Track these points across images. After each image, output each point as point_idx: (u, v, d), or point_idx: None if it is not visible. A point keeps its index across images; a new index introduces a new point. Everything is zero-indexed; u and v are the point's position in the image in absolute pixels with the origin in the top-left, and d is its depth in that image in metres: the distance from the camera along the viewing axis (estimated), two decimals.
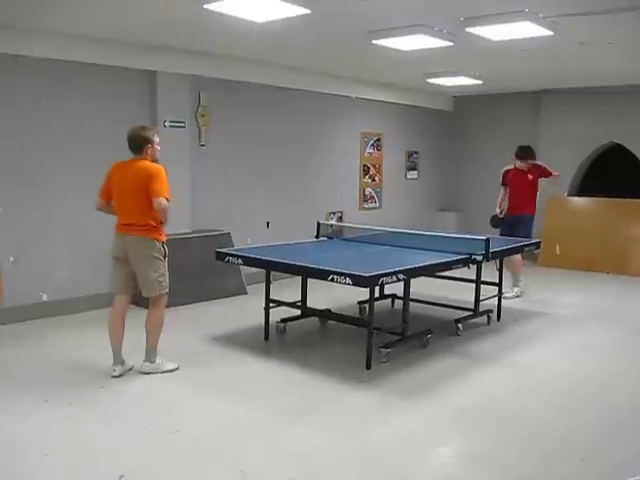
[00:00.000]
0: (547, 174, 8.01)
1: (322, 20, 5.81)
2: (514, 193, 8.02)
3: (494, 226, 8.05)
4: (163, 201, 4.75)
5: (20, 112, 6.51)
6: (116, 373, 5.04)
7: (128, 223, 4.92)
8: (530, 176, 7.89)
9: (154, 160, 4.96)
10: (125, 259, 4.99)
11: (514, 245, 7.02)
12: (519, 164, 7.97)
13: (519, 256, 7.73)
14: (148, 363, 5.11)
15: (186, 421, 4.27)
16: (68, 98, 6.83)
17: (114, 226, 5.06)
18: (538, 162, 8.05)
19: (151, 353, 5.12)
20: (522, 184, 7.93)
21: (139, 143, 4.91)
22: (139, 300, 6.98)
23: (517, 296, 7.87)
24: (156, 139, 5.01)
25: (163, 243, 5.01)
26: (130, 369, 5.16)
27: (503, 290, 7.55)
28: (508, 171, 8.09)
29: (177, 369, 5.18)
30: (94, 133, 7.05)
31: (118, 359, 5.10)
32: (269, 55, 7.90)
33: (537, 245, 7.37)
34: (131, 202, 4.88)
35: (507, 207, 8.06)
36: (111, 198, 5.05)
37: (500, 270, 7.06)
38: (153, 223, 4.90)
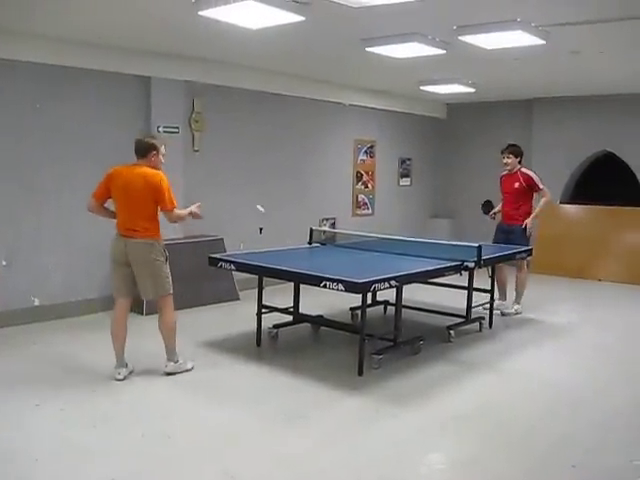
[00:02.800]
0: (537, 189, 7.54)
1: (316, 27, 5.83)
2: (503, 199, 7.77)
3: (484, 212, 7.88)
4: (176, 214, 5.08)
5: (15, 117, 6.50)
6: (120, 376, 5.08)
7: (131, 227, 4.99)
8: (517, 183, 7.51)
9: (156, 168, 5.06)
10: (126, 262, 5.04)
11: (506, 252, 7.02)
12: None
13: (525, 272, 7.67)
14: (172, 363, 5.21)
15: (177, 426, 4.26)
16: (62, 103, 6.83)
17: (116, 229, 5.11)
18: (529, 172, 7.57)
19: (172, 353, 5.22)
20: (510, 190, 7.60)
21: (146, 149, 5.04)
22: (133, 306, 6.98)
23: (517, 313, 7.57)
24: (162, 150, 5.13)
25: (164, 246, 5.12)
26: (131, 372, 5.19)
27: (502, 303, 7.63)
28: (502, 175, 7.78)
29: (192, 369, 5.31)
30: (88, 138, 7.04)
31: (121, 362, 5.15)
32: (263, 62, 7.92)
33: (529, 252, 7.37)
34: (137, 206, 4.98)
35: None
36: (105, 200, 5.13)
37: (492, 277, 7.08)
38: (155, 227, 5.05)
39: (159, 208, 5.03)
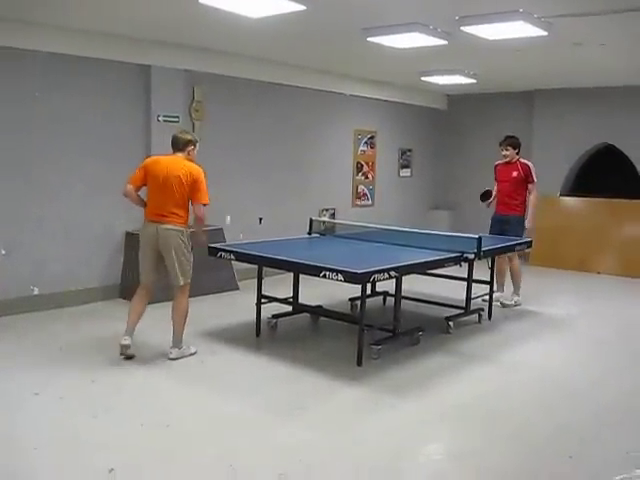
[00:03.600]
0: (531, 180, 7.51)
1: (317, 17, 5.81)
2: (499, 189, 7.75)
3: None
4: (203, 209, 5.24)
5: (13, 106, 6.47)
6: (126, 342, 5.19)
7: (162, 213, 5.16)
8: (515, 172, 7.51)
9: (192, 161, 5.32)
10: (155, 248, 5.20)
11: (506, 244, 7.01)
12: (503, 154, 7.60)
13: (517, 262, 7.62)
14: (177, 349, 5.32)
15: (176, 416, 4.27)
16: (62, 92, 6.80)
17: (145, 216, 5.30)
18: (527, 162, 7.58)
19: (179, 340, 5.34)
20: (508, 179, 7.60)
21: (185, 143, 5.29)
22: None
23: (517, 305, 7.57)
24: (197, 146, 5.41)
25: (189, 236, 5.27)
26: (134, 357, 5.25)
27: (501, 295, 7.62)
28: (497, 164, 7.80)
29: (196, 353, 5.45)
30: (88, 127, 7.03)
31: (130, 332, 5.26)
32: (264, 51, 7.89)
33: (528, 244, 7.37)
34: (173, 194, 5.15)
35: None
36: (140, 187, 5.29)
37: (492, 269, 7.08)
38: (185, 216, 5.24)
39: (191, 200, 5.22)
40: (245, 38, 6.94)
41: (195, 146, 5.37)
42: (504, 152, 7.56)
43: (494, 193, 7.80)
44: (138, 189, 5.30)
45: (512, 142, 7.58)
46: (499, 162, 7.72)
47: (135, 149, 7.32)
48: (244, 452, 3.79)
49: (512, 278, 7.67)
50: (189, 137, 5.38)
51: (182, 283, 5.25)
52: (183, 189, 5.14)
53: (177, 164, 5.19)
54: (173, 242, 5.15)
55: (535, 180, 7.50)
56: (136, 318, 5.28)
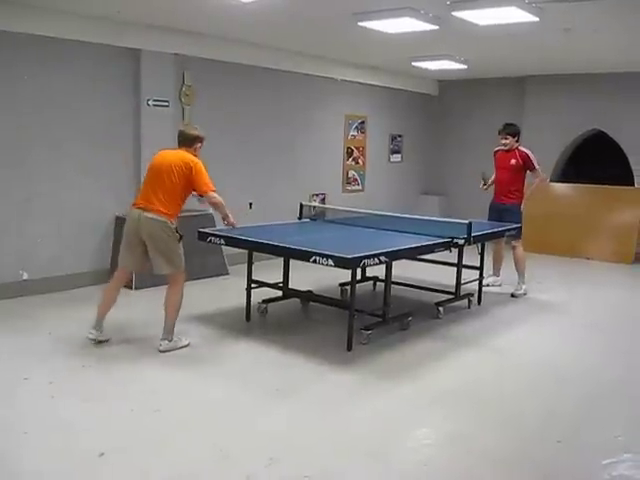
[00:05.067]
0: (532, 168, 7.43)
1: (308, 1, 5.77)
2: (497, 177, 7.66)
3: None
4: (213, 196, 5.10)
5: (2, 89, 6.41)
6: (92, 336, 5.16)
7: (149, 200, 5.06)
8: (513, 160, 7.41)
9: (196, 156, 5.19)
10: (136, 234, 5.09)
11: (495, 229, 7.04)
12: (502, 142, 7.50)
13: (522, 251, 7.53)
14: (167, 342, 5.17)
15: (166, 401, 4.28)
16: (51, 75, 6.73)
17: (134, 201, 5.20)
18: (526, 150, 7.45)
19: (169, 332, 5.19)
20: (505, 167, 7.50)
21: (192, 140, 5.20)
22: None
23: (525, 293, 7.47)
24: (204, 142, 5.31)
25: (177, 227, 5.12)
26: (106, 341, 5.24)
27: (495, 280, 7.71)
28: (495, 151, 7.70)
29: (189, 345, 5.30)
30: (77, 111, 6.97)
31: (98, 325, 5.21)
32: (254, 35, 7.84)
33: (518, 230, 7.35)
34: (163, 184, 5.04)
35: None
36: None
37: (481, 254, 7.09)
38: (173, 208, 5.08)
39: (197, 192, 5.15)
40: (236, 22, 6.88)
41: (202, 143, 5.26)
42: (503, 140, 7.44)
43: (492, 179, 7.73)
44: None
45: (511, 130, 7.45)
46: (498, 148, 7.61)
47: (125, 133, 7.28)
48: (234, 436, 3.80)
49: (516, 266, 7.53)
50: (196, 133, 5.25)
51: (166, 272, 5.15)
52: (176, 180, 5.02)
53: (175, 156, 5.11)
54: (153, 232, 5.02)
55: (537, 167, 7.39)
56: (105, 310, 5.23)
